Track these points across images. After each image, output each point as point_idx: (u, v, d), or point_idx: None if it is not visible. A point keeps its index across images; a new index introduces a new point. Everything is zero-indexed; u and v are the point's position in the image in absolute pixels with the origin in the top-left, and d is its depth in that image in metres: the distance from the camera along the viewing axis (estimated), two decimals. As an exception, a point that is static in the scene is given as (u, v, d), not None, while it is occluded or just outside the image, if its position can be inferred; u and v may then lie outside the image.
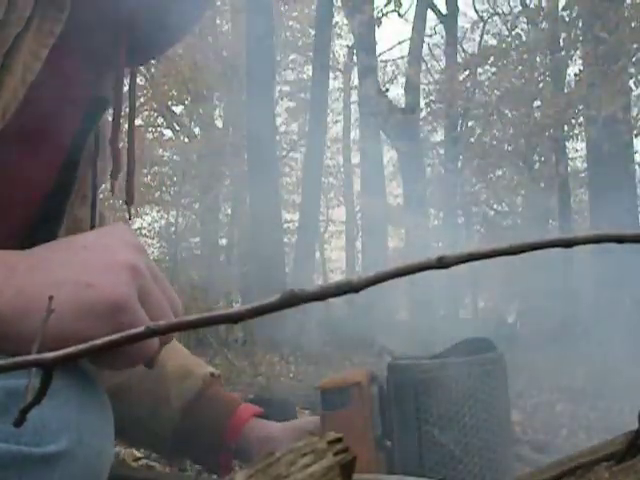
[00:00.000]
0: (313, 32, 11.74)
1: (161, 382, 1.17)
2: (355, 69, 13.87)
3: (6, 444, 0.57)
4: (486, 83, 12.05)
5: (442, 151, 14.47)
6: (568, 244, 0.27)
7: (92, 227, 0.92)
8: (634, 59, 8.52)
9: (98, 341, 0.32)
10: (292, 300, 0.31)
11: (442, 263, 0.31)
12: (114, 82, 0.88)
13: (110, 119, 0.90)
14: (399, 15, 13.51)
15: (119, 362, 0.68)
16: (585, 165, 11.74)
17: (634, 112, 8.91)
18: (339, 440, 0.43)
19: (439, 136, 15.46)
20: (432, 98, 13.72)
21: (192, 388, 1.17)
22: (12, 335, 0.60)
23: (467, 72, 11.67)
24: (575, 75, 9.90)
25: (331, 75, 13.47)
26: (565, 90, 10.68)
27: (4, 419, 0.56)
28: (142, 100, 12.21)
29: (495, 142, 12.19)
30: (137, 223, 13.54)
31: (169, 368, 1.17)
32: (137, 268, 0.67)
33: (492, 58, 11.18)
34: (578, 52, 10.31)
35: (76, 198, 0.91)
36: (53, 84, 0.79)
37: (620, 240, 0.28)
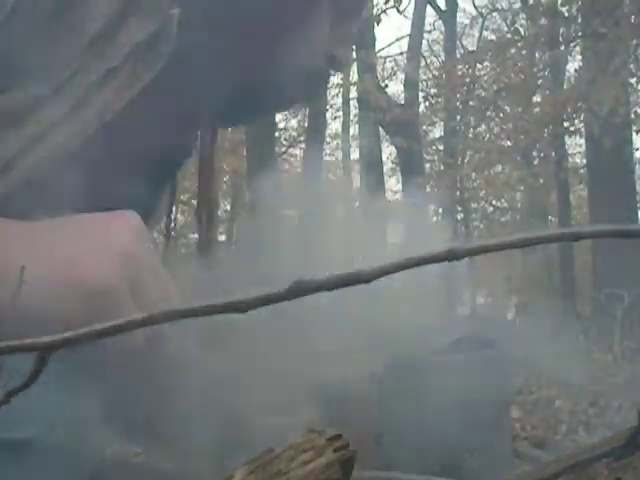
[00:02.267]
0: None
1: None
2: (354, 65, 13.83)
3: None
4: (485, 78, 12.02)
5: (441, 147, 14.45)
6: (575, 238, 0.27)
7: None
8: (634, 55, 8.50)
9: (98, 326, 0.31)
10: (301, 290, 0.31)
11: (452, 255, 0.30)
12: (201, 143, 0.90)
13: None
14: (398, 11, 13.49)
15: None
16: (584, 161, 11.74)
17: (634, 108, 8.89)
18: (339, 437, 0.43)
19: (438, 132, 15.44)
20: (431, 94, 13.70)
21: None
22: None
23: (466, 67, 11.65)
24: (575, 71, 9.89)
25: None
26: (564, 86, 10.66)
27: None
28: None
29: (494, 138, 12.17)
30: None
31: None
32: (131, 255, 0.64)
33: (491, 54, 11.16)
34: (577, 48, 10.29)
35: None
36: (137, 127, 0.77)
37: (626, 235, 0.28)
